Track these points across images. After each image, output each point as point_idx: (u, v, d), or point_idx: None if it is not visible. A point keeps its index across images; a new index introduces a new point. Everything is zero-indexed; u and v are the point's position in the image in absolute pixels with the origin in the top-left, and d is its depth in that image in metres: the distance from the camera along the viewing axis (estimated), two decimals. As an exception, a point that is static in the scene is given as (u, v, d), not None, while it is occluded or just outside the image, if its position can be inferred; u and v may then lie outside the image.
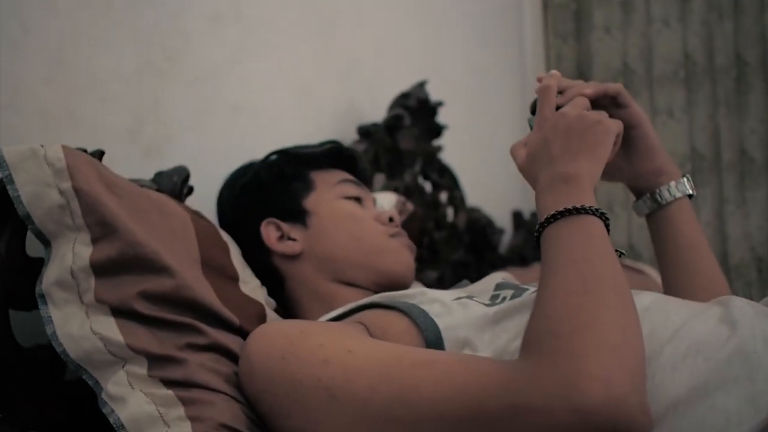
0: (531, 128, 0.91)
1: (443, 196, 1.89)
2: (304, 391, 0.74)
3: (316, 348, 0.76)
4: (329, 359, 0.74)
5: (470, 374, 0.68)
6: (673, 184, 0.98)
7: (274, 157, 1.16)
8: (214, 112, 1.36)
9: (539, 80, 0.92)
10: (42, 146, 0.87)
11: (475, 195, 2.05)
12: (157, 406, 0.77)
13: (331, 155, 1.18)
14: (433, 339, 0.80)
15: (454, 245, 1.90)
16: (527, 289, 0.89)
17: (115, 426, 0.77)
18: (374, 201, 1.19)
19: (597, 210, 0.76)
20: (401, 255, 1.08)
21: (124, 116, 1.20)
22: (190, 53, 1.32)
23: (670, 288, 1.00)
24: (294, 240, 1.08)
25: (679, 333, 0.73)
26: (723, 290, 0.97)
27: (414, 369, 0.71)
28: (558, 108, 0.87)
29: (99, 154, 0.99)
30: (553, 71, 0.95)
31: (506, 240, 2.22)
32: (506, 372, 0.67)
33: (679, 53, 2.20)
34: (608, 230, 0.77)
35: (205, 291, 0.90)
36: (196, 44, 1.34)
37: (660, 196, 0.98)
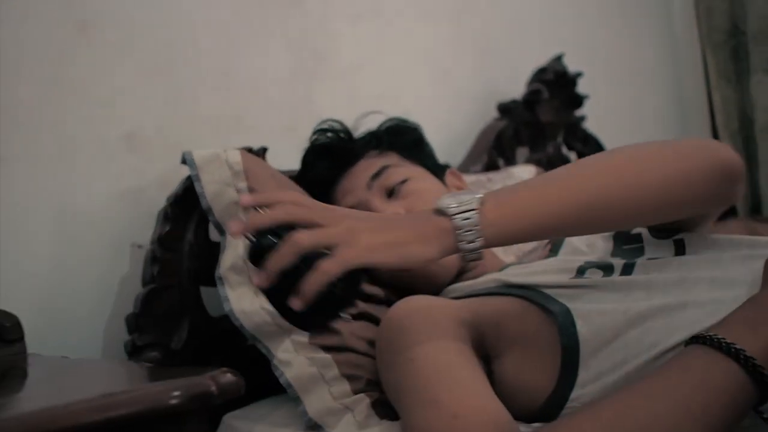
0: None
1: (589, 164, 1.91)
2: (386, 386, 0.83)
3: (402, 348, 0.79)
4: (397, 363, 0.78)
5: None
6: None
7: None
8: (360, 102, 1.47)
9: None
10: (225, 151, 1.03)
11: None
12: (318, 368, 0.91)
13: (328, 168, 1.15)
14: (562, 318, 0.79)
15: (602, 211, 1.92)
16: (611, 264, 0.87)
17: (284, 385, 0.91)
18: (383, 169, 1.10)
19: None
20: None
21: (282, 115, 1.35)
22: (337, 52, 1.46)
23: None
24: None
25: None
26: None
27: (415, 408, 0.73)
28: None
29: (262, 151, 1.14)
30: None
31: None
32: None
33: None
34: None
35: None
36: (341, 43, 1.47)
37: None
